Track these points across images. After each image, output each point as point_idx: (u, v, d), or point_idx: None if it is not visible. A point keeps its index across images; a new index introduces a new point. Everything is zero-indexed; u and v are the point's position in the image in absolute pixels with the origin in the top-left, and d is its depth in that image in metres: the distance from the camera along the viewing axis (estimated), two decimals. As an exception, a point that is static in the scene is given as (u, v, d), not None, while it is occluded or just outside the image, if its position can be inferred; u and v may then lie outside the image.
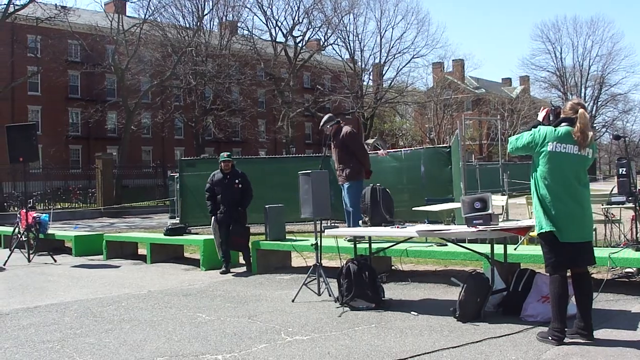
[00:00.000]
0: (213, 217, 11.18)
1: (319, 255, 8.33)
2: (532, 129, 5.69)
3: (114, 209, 33.54)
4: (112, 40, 42.15)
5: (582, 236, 5.55)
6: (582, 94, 76.18)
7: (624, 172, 8.55)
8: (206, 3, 48.82)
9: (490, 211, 6.40)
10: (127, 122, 43.12)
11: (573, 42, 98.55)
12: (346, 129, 10.17)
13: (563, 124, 5.60)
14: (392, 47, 58.69)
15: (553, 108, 5.78)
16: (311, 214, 8.21)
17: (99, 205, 35.06)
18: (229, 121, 52.02)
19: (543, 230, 5.56)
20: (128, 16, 48.09)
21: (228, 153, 11.48)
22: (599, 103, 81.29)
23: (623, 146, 9.11)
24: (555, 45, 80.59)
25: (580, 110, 5.55)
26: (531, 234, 6.94)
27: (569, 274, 5.65)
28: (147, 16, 44.15)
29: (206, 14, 49.54)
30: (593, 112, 77.83)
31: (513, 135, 5.79)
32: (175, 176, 22.66)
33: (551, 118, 5.75)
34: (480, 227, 6.39)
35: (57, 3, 38.75)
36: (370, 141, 52.09)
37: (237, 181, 10.99)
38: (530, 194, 5.85)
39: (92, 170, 39.82)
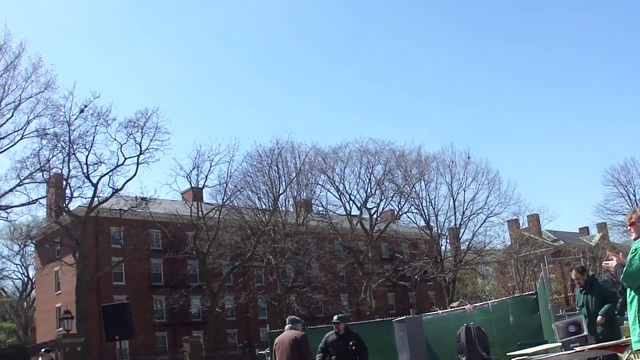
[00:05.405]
0: None
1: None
2: (635, 252, 5.90)
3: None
4: (192, 225, 43.78)
5: None
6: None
7: None
8: (280, 184, 50.86)
9: (585, 333, 6.52)
10: (212, 305, 43.85)
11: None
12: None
13: None
14: (466, 209, 58.82)
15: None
16: (408, 359, 8.38)
17: (189, 390, 35.10)
18: (311, 297, 52.16)
19: None
20: (206, 203, 50.16)
21: (340, 315, 11.69)
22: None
23: None
24: (627, 187, 79.30)
25: None
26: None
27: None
28: (224, 201, 46.17)
29: (281, 194, 51.37)
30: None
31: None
32: (265, 353, 22.89)
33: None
34: (578, 349, 6.49)
35: (138, 195, 41.00)
36: (454, 304, 51.29)
37: (351, 343, 11.11)
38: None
39: (179, 353, 40.11)
